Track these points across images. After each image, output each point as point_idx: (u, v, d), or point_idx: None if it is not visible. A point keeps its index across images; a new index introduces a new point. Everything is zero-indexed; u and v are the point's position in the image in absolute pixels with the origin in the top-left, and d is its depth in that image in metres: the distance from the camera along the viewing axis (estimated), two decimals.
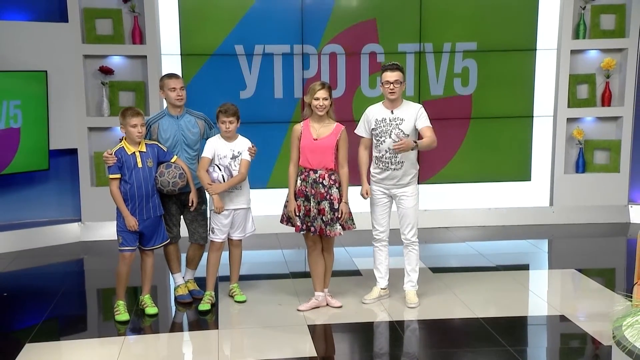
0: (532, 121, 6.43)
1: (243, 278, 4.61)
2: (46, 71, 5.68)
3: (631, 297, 3.08)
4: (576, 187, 6.43)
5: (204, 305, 4.26)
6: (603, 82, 6.36)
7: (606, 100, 6.36)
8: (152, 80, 5.80)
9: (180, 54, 6.01)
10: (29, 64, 5.63)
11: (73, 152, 5.98)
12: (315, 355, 3.62)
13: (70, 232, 5.98)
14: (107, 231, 5.67)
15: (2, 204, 5.91)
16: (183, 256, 4.54)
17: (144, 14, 5.84)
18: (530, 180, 6.51)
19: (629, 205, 6.48)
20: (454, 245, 5.88)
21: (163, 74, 4.60)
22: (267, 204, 5.72)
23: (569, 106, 6.33)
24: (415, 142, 4.04)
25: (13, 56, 5.59)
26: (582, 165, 6.45)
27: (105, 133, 5.94)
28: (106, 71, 5.88)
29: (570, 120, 6.37)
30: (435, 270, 5.02)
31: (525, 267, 5.36)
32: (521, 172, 6.50)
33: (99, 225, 5.95)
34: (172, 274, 4.50)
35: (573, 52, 6.26)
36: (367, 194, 4.22)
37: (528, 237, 6.04)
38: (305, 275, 4.74)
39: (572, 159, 6.47)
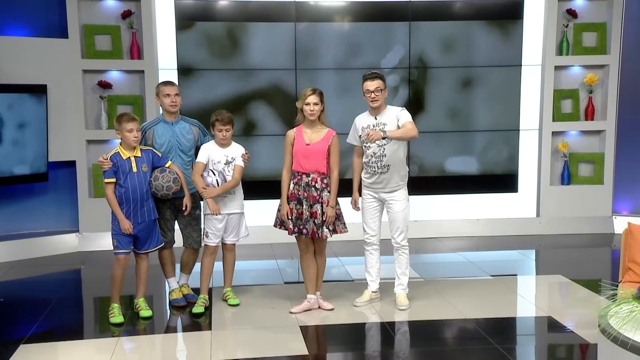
0: (519, 134, 6.60)
1: (237, 285, 4.67)
2: (46, 85, 5.82)
3: (616, 287, 3.19)
4: (562, 199, 6.58)
5: (198, 308, 4.32)
6: (586, 97, 6.56)
7: (589, 115, 6.55)
8: (150, 94, 5.93)
9: (177, 69, 6.17)
10: (29, 78, 5.76)
11: (72, 164, 6.08)
12: (307, 354, 3.67)
13: (68, 243, 6.06)
14: (105, 241, 5.64)
15: (1, 214, 5.97)
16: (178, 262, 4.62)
17: (142, 30, 6.00)
18: (517, 191, 6.65)
19: (613, 217, 6.61)
20: (443, 255, 5.97)
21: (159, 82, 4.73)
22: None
23: (553, 120, 6.51)
24: (384, 131, 4.08)
25: (14, 70, 5.72)
26: (567, 177, 6.60)
27: (104, 146, 6.02)
28: (105, 85, 6.03)
29: (555, 133, 6.54)
30: (426, 277, 5.10)
31: (514, 274, 5.46)
32: (508, 184, 6.66)
33: (96, 236, 6.01)
34: (166, 278, 4.56)
35: (557, 68, 6.46)
36: (355, 204, 4.37)
37: (516, 247, 6.16)
38: (299, 282, 4.81)
39: (558, 171, 6.62)
